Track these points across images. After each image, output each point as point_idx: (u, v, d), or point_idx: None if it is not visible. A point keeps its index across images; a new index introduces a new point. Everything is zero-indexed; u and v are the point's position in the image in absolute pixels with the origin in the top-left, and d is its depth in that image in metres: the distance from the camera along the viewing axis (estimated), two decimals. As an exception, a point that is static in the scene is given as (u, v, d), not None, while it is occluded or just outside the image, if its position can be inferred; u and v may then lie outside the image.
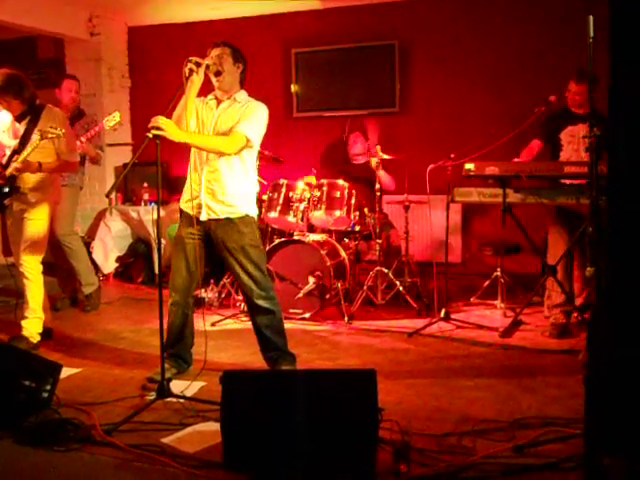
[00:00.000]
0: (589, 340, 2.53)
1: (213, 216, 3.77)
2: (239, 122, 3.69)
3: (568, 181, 4.53)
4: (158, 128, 3.35)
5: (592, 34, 2.79)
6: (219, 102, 3.83)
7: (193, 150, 3.79)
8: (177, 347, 3.99)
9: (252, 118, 3.72)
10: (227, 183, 3.76)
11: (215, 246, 3.84)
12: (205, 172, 3.77)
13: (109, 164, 6.59)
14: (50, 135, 4.34)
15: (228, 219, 3.77)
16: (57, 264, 5.77)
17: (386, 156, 5.51)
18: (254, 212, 3.90)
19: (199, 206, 3.76)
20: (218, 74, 3.73)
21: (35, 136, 4.39)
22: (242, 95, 3.85)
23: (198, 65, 3.57)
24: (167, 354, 3.87)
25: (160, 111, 3.46)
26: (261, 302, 3.83)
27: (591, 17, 2.74)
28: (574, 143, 4.84)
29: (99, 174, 7.29)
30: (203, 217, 3.77)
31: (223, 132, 3.73)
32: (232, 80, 3.81)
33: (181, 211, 3.92)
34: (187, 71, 3.55)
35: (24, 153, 4.38)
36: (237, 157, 3.76)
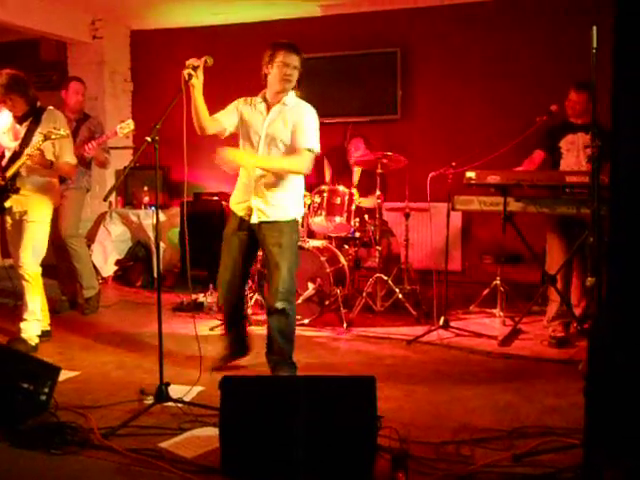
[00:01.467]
0: (589, 350, 2.53)
1: (263, 219, 3.91)
2: (299, 137, 3.84)
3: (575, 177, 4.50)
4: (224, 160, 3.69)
5: (595, 45, 2.79)
6: (269, 106, 3.93)
7: (246, 151, 3.93)
8: (231, 335, 4.27)
9: (309, 129, 3.88)
10: (279, 187, 3.90)
11: (259, 243, 4.01)
12: (257, 176, 3.89)
13: (110, 167, 6.59)
14: (54, 136, 4.35)
15: (276, 222, 3.90)
16: (58, 266, 5.77)
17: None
18: (300, 216, 4.10)
19: (249, 209, 3.92)
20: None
21: (37, 137, 4.39)
22: (291, 98, 3.95)
23: (195, 69, 3.60)
24: (228, 339, 4.27)
25: (161, 115, 3.46)
26: (280, 304, 3.89)
27: (595, 28, 2.75)
28: (573, 150, 4.85)
29: (100, 177, 7.28)
30: (254, 220, 3.92)
31: (274, 138, 3.85)
32: (291, 87, 3.96)
33: (231, 210, 4.07)
34: (186, 75, 3.57)
35: (27, 151, 4.37)
36: None
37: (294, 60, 3.89)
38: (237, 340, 4.29)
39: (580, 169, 4.68)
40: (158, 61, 7.87)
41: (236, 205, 4.02)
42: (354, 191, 5.60)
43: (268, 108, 3.94)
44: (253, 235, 3.98)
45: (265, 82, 3.97)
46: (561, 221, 4.79)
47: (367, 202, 5.77)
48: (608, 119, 2.36)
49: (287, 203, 3.94)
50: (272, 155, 3.89)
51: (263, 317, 5.35)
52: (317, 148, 3.91)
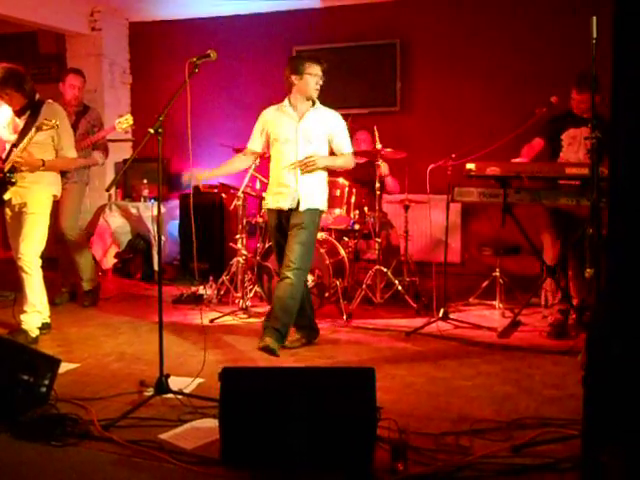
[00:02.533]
0: (588, 341, 2.53)
1: (309, 205, 4.41)
2: (340, 144, 4.56)
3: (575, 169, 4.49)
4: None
5: (595, 35, 2.79)
6: (300, 113, 4.49)
7: (284, 150, 4.46)
8: (298, 319, 4.51)
9: (345, 135, 4.59)
10: (317, 181, 4.48)
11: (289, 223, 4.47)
12: (299, 170, 4.41)
13: (109, 160, 6.58)
14: (45, 127, 4.34)
15: (309, 209, 4.42)
16: (59, 258, 5.78)
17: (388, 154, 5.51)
18: (325, 208, 4.62)
19: (293, 198, 4.40)
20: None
21: (32, 130, 4.39)
22: (318, 105, 4.57)
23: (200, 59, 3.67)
24: (295, 327, 4.55)
25: (161, 107, 3.46)
26: (288, 272, 4.33)
27: (594, 18, 2.74)
28: (574, 145, 4.84)
29: (99, 170, 7.25)
30: (302, 208, 4.40)
31: (308, 139, 4.43)
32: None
33: (270, 209, 4.56)
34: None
35: (21, 145, 4.38)
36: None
37: (321, 71, 4.46)
38: (304, 324, 4.59)
39: (579, 162, 4.67)
40: (157, 53, 7.87)
41: (276, 199, 4.49)
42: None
43: (299, 114, 4.49)
44: (283, 221, 4.49)
45: (290, 89, 4.51)
46: (555, 213, 4.78)
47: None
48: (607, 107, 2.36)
49: (318, 195, 4.50)
50: (324, 155, 4.51)
51: (263, 309, 5.39)
52: (352, 148, 4.66)
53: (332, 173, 5.73)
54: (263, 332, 4.40)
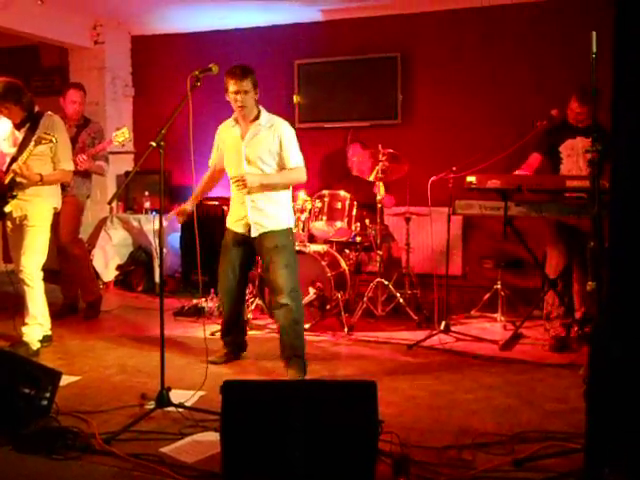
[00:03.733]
0: (590, 354, 2.53)
1: (262, 230, 4.20)
2: (285, 158, 4.17)
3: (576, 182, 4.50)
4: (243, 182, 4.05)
5: (595, 50, 2.80)
6: (243, 130, 4.20)
7: (229, 170, 4.25)
8: (229, 338, 4.50)
9: (290, 147, 4.20)
10: (271, 201, 4.21)
11: (256, 248, 4.30)
12: (251, 194, 4.16)
13: (111, 172, 6.59)
14: (43, 141, 4.36)
15: (272, 231, 4.20)
16: (60, 270, 5.78)
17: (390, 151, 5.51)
18: (293, 225, 4.43)
19: (247, 225, 4.22)
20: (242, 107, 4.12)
21: (31, 143, 4.40)
22: (264, 117, 4.22)
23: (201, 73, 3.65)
24: (223, 342, 4.51)
25: (163, 120, 3.48)
26: (283, 299, 4.14)
27: (594, 33, 2.75)
28: (573, 155, 4.85)
29: (100, 182, 7.27)
30: (254, 234, 4.21)
31: (254, 157, 4.15)
32: (253, 105, 4.18)
33: (227, 228, 4.38)
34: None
35: (20, 160, 4.40)
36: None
37: (244, 85, 4.09)
38: (234, 343, 4.53)
39: (580, 174, 4.68)
40: (159, 66, 7.90)
41: (234, 223, 4.31)
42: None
43: (242, 130, 4.22)
44: (250, 246, 4.28)
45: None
46: (560, 226, 4.79)
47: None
48: (607, 119, 2.37)
49: (280, 214, 4.25)
50: (265, 173, 4.18)
51: (264, 322, 5.38)
52: (302, 161, 4.25)
53: (332, 187, 5.78)
54: (286, 364, 4.18)
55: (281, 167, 4.21)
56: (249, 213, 4.20)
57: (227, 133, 4.31)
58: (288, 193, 4.38)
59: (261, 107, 4.24)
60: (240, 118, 4.22)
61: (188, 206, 4.37)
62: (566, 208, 4.48)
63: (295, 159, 4.21)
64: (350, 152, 6.33)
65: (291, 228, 4.35)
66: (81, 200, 5.74)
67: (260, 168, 4.17)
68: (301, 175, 4.26)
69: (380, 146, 5.55)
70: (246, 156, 4.17)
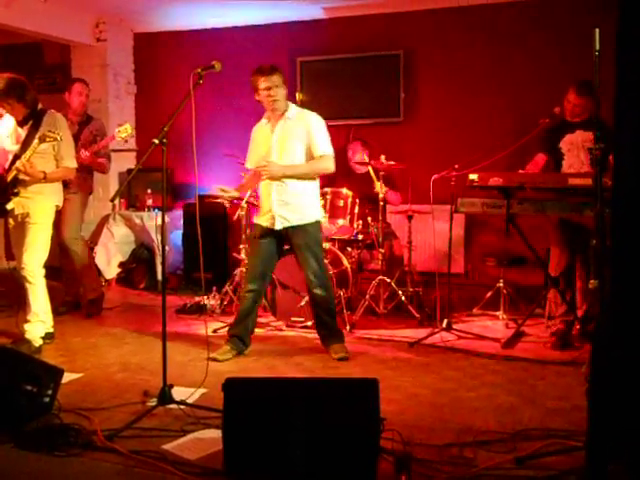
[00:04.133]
0: (592, 352, 2.53)
1: (286, 224, 4.39)
2: (313, 146, 4.36)
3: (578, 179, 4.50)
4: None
5: (598, 47, 2.79)
6: (273, 125, 4.41)
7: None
8: (238, 329, 4.53)
9: (318, 135, 4.38)
10: (297, 194, 4.39)
11: (287, 244, 4.58)
12: (275, 187, 4.37)
13: (113, 170, 6.60)
14: (48, 139, 4.37)
15: (299, 225, 4.40)
16: (62, 268, 5.79)
17: (390, 162, 5.51)
18: (321, 217, 4.64)
19: (272, 217, 4.40)
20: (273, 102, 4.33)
21: (34, 140, 4.41)
22: (292, 110, 4.43)
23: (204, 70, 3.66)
24: (228, 336, 4.57)
25: (165, 118, 3.48)
26: (318, 290, 4.47)
27: (597, 30, 2.75)
28: (574, 150, 4.85)
29: (103, 180, 7.28)
30: (278, 227, 4.40)
31: (284, 151, 4.35)
32: (284, 100, 4.39)
33: (255, 223, 4.57)
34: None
35: (23, 157, 4.40)
36: None
37: (272, 81, 4.29)
38: (241, 337, 4.54)
39: (582, 168, 4.69)
40: (162, 63, 7.90)
41: (261, 217, 4.50)
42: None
43: (272, 127, 4.42)
44: (278, 239, 4.51)
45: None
46: (563, 224, 4.79)
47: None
48: (609, 116, 2.36)
49: (306, 208, 4.44)
50: (294, 164, 4.37)
51: (265, 320, 5.38)
52: (330, 150, 4.43)
53: (334, 184, 5.77)
54: (325, 341, 4.57)
55: (310, 158, 4.39)
56: (274, 206, 4.38)
57: (259, 132, 4.53)
58: (315, 185, 4.52)
59: (289, 102, 4.44)
60: (271, 114, 4.42)
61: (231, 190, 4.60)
62: (568, 206, 4.47)
63: (323, 147, 4.37)
64: (350, 152, 6.32)
65: (318, 221, 4.53)
66: (83, 197, 5.75)
67: (290, 160, 4.36)
68: (328, 164, 4.42)
69: (383, 157, 5.53)
70: (276, 149, 4.37)
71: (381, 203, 5.52)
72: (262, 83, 4.29)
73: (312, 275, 4.45)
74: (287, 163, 4.36)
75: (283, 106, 4.39)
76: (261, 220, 4.49)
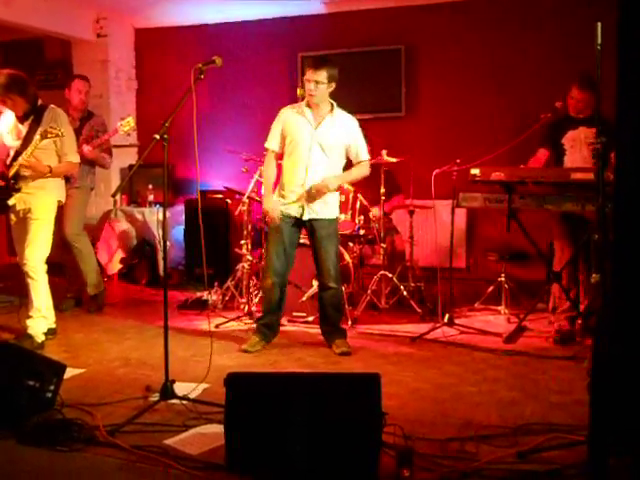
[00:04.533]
0: (594, 347, 2.53)
1: (314, 216, 4.49)
2: (358, 152, 4.55)
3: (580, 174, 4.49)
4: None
5: (600, 41, 2.78)
6: (316, 119, 4.45)
7: (294, 160, 4.47)
8: (270, 319, 4.63)
9: (362, 143, 4.57)
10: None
11: (308, 235, 4.64)
12: (308, 180, 4.43)
13: (114, 165, 6.60)
14: (49, 135, 4.36)
15: (324, 219, 4.51)
16: (64, 264, 5.79)
17: (392, 159, 5.51)
18: (339, 214, 4.77)
19: (302, 208, 4.47)
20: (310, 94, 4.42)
21: (36, 136, 4.41)
22: (337, 111, 4.53)
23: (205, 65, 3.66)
24: (257, 327, 4.67)
25: (166, 113, 3.47)
26: (333, 283, 4.54)
27: (599, 24, 2.74)
28: (576, 146, 4.85)
29: (104, 175, 7.29)
30: (306, 217, 4.49)
31: (322, 145, 4.42)
32: (324, 99, 4.47)
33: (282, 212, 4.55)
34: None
35: (25, 153, 4.40)
36: (340, 168, 4.58)
37: (317, 75, 4.38)
38: (270, 326, 4.64)
39: (585, 165, 4.68)
40: (162, 59, 7.89)
41: (287, 206, 4.51)
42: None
43: (316, 119, 4.46)
44: (299, 227, 4.60)
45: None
46: (565, 218, 4.79)
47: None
48: (611, 111, 2.36)
49: (333, 204, 4.60)
50: (341, 173, 4.56)
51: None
52: (368, 156, 4.64)
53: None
54: (328, 336, 4.62)
55: (347, 159, 4.59)
56: (305, 197, 4.46)
57: (296, 118, 4.50)
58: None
59: (332, 101, 4.53)
60: (316, 106, 4.46)
61: (273, 204, 4.53)
62: (570, 200, 4.47)
63: (364, 154, 4.59)
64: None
65: (338, 218, 4.71)
66: (85, 193, 5.75)
67: (325, 154, 4.44)
68: (367, 169, 4.64)
69: (384, 152, 5.53)
70: (319, 144, 4.42)
71: (382, 198, 5.51)
72: (308, 75, 4.42)
73: (332, 267, 4.52)
74: (327, 161, 4.45)
75: (323, 102, 4.46)
76: (289, 210, 4.52)
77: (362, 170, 4.61)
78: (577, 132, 4.82)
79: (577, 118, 4.85)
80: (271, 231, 4.59)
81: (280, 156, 4.63)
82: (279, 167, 4.66)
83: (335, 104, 4.54)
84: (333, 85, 4.45)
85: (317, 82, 4.36)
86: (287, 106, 4.62)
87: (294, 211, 4.50)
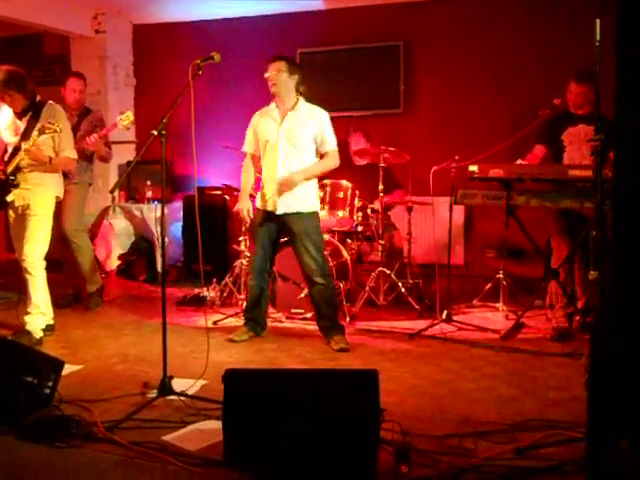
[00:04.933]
0: (591, 343, 2.53)
1: (287, 210, 4.51)
2: (325, 142, 4.55)
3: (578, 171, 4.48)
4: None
5: (598, 37, 2.78)
6: (282, 113, 4.53)
7: (267, 158, 4.57)
8: (253, 313, 4.76)
9: (328, 133, 4.57)
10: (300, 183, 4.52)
11: (285, 233, 4.67)
12: (278, 174, 4.49)
13: (113, 161, 6.59)
14: (47, 131, 4.36)
15: (299, 212, 4.52)
16: (63, 260, 5.79)
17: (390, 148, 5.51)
18: (318, 207, 4.74)
19: (275, 202, 4.52)
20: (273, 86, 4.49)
21: (34, 132, 4.40)
22: (302, 104, 4.56)
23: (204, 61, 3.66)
24: (245, 320, 4.81)
25: (164, 109, 3.47)
26: (319, 279, 4.55)
27: (598, 20, 2.74)
28: (575, 143, 4.85)
29: (103, 172, 7.29)
30: (280, 212, 4.52)
31: (290, 141, 4.48)
32: (287, 91, 4.51)
33: (257, 209, 4.67)
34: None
35: (24, 148, 4.39)
36: (314, 159, 4.58)
37: (275, 66, 4.47)
38: (255, 319, 4.78)
39: (584, 161, 4.68)
40: (161, 55, 7.88)
41: (263, 202, 4.60)
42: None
43: (281, 115, 4.54)
44: (277, 223, 4.60)
45: None
46: (563, 215, 4.79)
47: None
48: (610, 109, 2.36)
49: (307, 197, 4.58)
50: (307, 166, 4.53)
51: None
52: (336, 146, 4.62)
53: (334, 176, 5.77)
54: (326, 332, 4.62)
55: (317, 151, 4.58)
56: (276, 192, 4.51)
57: (263, 118, 4.63)
58: (314, 178, 4.67)
59: (299, 97, 4.57)
60: (279, 102, 4.55)
61: (242, 205, 4.68)
62: (569, 197, 4.47)
63: (332, 143, 4.58)
64: (353, 141, 6.32)
65: (316, 211, 4.66)
66: (83, 188, 5.74)
67: (296, 149, 4.50)
68: (336, 160, 4.63)
69: (382, 148, 5.53)
70: (285, 138, 4.48)
71: (381, 194, 5.51)
72: (268, 69, 4.49)
73: (313, 263, 4.52)
74: (297, 154, 4.50)
75: (287, 96, 4.52)
76: (263, 205, 4.61)
77: (329, 162, 4.61)
78: (576, 129, 4.82)
79: (576, 115, 4.85)
80: (252, 230, 4.77)
81: (259, 158, 4.73)
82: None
83: (302, 99, 4.59)
84: (296, 77, 4.53)
85: (278, 71, 4.46)
86: (257, 112, 4.73)
87: (270, 206, 4.57)
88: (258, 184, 4.82)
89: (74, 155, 4.80)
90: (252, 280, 4.75)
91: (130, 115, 5.45)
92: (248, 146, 4.76)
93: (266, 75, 4.48)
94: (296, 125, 4.51)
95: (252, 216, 4.70)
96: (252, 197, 4.95)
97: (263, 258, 4.68)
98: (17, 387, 3.24)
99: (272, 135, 4.54)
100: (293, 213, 4.53)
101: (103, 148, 5.71)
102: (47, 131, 4.37)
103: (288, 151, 4.51)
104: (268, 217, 4.60)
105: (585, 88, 4.73)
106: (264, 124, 4.61)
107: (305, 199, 4.57)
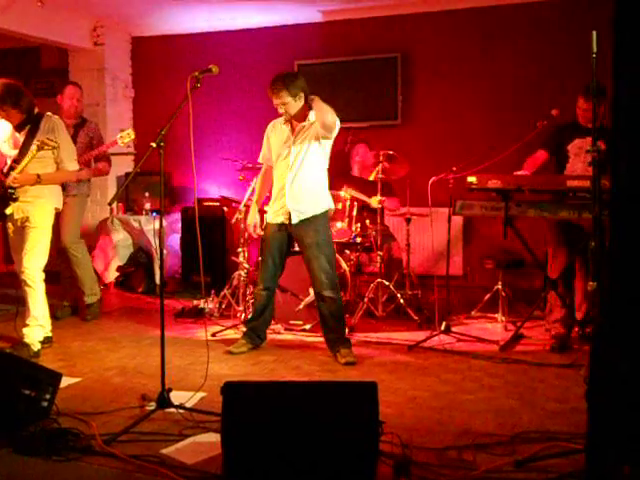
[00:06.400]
0: (591, 355, 2.53)
1: (302, 217, 4.50)
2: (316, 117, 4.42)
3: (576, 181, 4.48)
4: None
5: (595, 49, 2.79)
6: (293, 127, 4.52)
7: (277, 169, 4.58)
8: (256, 322, 4.75)
9: (327, 110, 4.36)
10: (309, 183, 4.51)
11: (298, 244, 4.67)
12: (288, 184, 4.48)
13: (111, 173, 6.60)
14: (46, 147, 4.37)
15: (312, 217, 4.51)
16: (61, 272, 5.78)
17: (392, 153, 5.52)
18: (331, 204, 4.71)
19: (287, 212, 4.50)
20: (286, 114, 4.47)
21: (33, 147, 4.40)
22: (312, 116, 4.49)
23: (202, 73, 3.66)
24: (245, 330, 4.81)
25: (163, 121, 3.48)
26: (328, 292, 4.51)
27: (595, 32, 2.75)
28: (581, 155, 4.83)
29: (101, 183, 7.30)
30: (294, 221, 4.50)
31: (303, 151, 4.46)
32: (297, 109, 4.45)
33: (267, 223, 4.69)
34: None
35: (22, 163, 4.40)
36: (324, 172, 4.59)
37: (280, 99, 4.41)
38: (256, 331, 4.77)
39: (586, 173, 4.68)
40: (159, 67, 7.90)
41: (274, 215, 4.60)
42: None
43: (293, 129, 4.52)
44: (289, 238, 4.64)
45: None
46: (561, 226, 4.79)
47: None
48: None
49: (318, 198, 4.56)
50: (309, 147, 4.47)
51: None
52: (338, 125, 4.43)
53: (333, 187, 5.77)
54: (332, 346, 4.55)
55: (324, 153, 4.55)
56: (287, 201, 4.48)
57: (276, 131, 4.62)
58: (325, 174, 4.61)
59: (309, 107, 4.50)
60: (295, 121, 4.51)
61: (250, 220, 4.76)
62: (567, 208, 4.47)
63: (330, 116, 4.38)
64: (354, 152, 6.34)
65: (328, 210, 4.63)
66: (82, 200, 5.75)
67: (310, 160, 4.48)
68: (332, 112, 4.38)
69: (381, 152, 5.55)
70: (296, 150, 4.47)
71: (379, 206, 5.52)
72: (274, 100, 4.45)
73: (324, 276, 4.50)
74: (305, 163, 4.47)
75: (297, 114, 4.47)
76: (275, 219, 4.60)
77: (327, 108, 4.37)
78: (585, 141, 4.78)
79: (586, 127, 4.84)
80: (262, 242, 4.74)
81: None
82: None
83: (312, 112, 4.50)
84: (302, 95, 4.44)
85: (283, 102, 4.42)
86: (273, 120, 4.69)
87: (280, 218, 4.56)
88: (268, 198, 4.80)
89: (75, 167, 4.79)
90: (260, 289, 4.72)
91: (131, 133, 5.45)
92: (263, 158, 4.78)
93: (279, 110, 4.47)
94: (307, 135, 4.48)
95: (259, 232, 4.74)
96: (263, 212, 4.95)
97: (273, 271, 4.69)
98: (15, 399, 3.24)
99: (283, 151, 4.54)
100: (307, 219, 4.50)
101: (96, 172, 5.77)
102: (46, 147, 4.37)
103: (298, 167, 4.49)
104: (279, 229, 4.59)
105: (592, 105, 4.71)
106: (276, 138, 4.62)
107: (315, 201, 4.54)
